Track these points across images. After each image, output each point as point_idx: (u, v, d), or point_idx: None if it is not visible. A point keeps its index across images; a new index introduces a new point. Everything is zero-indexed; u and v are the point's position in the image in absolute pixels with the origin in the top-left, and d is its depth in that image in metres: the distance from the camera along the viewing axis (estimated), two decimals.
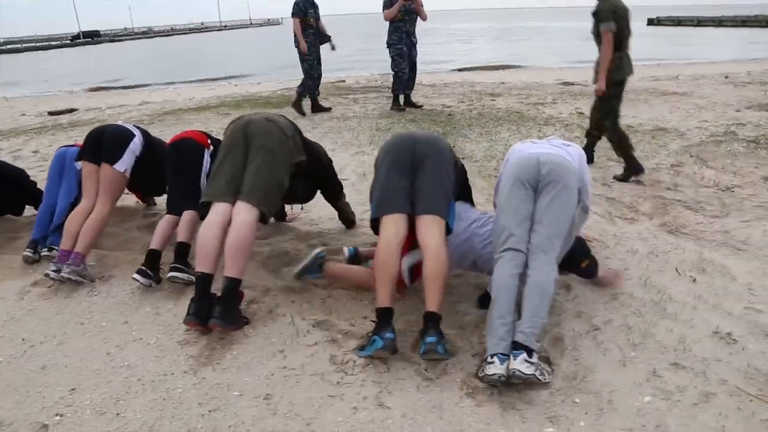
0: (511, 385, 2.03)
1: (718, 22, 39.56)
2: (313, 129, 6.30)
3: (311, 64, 7.09)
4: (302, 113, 7.29)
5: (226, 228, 2.64)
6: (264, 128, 2.79)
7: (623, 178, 4.34)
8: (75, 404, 2.08)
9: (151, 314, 2.76)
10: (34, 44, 65.01)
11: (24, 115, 10.16)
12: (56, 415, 2.03)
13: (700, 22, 41.66)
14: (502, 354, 2.04)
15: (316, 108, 7.48)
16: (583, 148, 4.54)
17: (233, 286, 2.57)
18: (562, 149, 2.49)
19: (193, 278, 2.67)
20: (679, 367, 2.09)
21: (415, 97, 8.31)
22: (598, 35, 4.22)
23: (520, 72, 13.40)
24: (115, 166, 3.22)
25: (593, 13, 4.23)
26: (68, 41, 66.23)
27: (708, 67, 12.97)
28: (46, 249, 3.37)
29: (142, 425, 1.95)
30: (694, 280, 2.77)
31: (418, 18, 7.14)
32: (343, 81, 11.60)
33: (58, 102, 11.99)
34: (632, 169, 4.33)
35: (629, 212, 3.69)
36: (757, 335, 2.28)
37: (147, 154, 3.35)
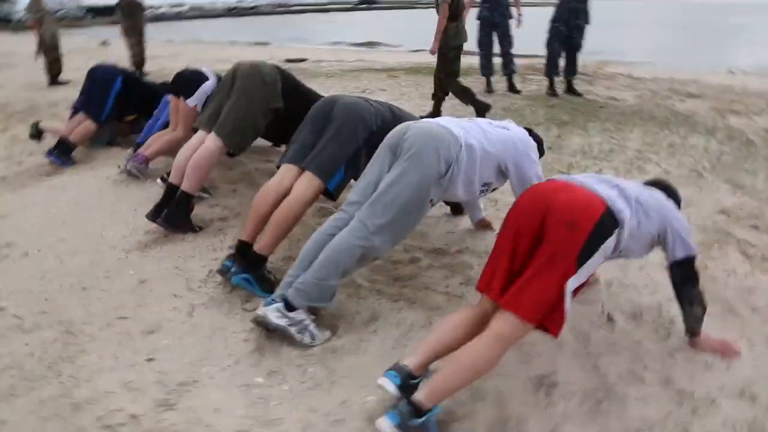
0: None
1: None
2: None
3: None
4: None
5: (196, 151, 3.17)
6: (246, 73, 3.19)
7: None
8: None
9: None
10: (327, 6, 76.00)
11: (271, 59, 12.25)
12: None
13: None
14: (273, 300, 2.15)
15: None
16: (431, 112, 5.53)
17: (182, 196, 3.12)
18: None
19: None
20: None
21: (597, 87, 7.58)
22: (438, 6, 5.24)
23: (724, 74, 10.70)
24: (188, 101, 3.95)
25: None
26: (349, 6, 74.31)
27: None
28: None
29: None
30: None
31: None
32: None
33: (309, 53, 14.01)
34: (480, 109, 5.29)
35: None
36: None
37: None
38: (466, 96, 5.43)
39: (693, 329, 2.09)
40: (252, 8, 74.67)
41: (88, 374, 2.04)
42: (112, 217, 3.49)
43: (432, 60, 6.04)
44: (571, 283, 1.70)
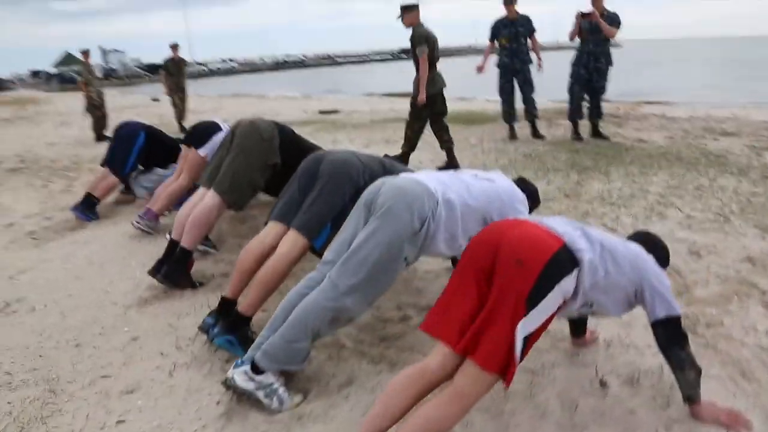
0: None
1: None
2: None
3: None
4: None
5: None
6: (245, 130, 3.25)
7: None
8: None
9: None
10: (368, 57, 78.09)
11: (305, 112, 12.59)
12: None
13: None
14: (242, 362, 2.10)
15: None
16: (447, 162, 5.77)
17: (182, 253, 3.16)
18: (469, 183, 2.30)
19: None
20: None
21: (626, 129, 7.40)
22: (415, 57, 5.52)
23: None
24: (198, 150, 4.07)
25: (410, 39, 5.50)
26: (389, 57, 76.22)
27: None
28: None
29: None
30: None
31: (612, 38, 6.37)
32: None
33: (344, 104, 14.36)
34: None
35: None
36: None
37: None
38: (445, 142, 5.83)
39: (690, 396, 1.90)
40: (299, 62, 77.72)
41: None
42: (120, 272, 3.57)
43: (460, 109, 6.09)
44: (522, 327, 1.55)
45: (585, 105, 6.67)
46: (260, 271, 2.49)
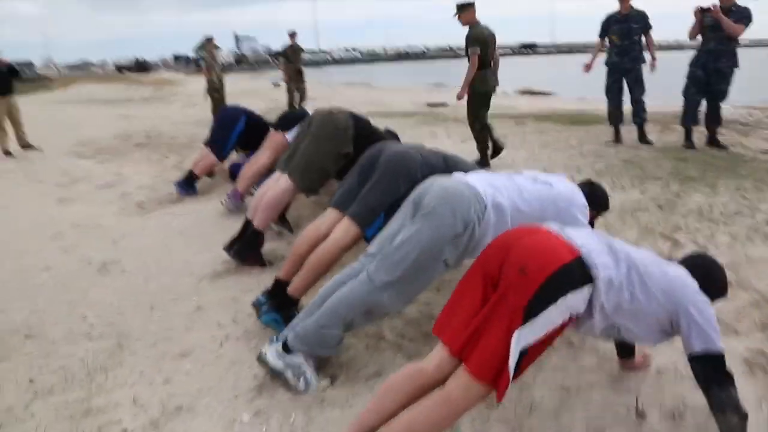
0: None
1: None
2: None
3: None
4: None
5: None
6: (320, 120, 3.36)
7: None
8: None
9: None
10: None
11: (413, 103, 12.68)
12: None
13: None
14: (276, 339, 2.20)
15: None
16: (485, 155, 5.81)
17: (253, 233, 3.36)
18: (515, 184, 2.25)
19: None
20: None
21: (752, 139, 6.66)
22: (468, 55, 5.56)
23: None
24: (285, 133, 4.25)
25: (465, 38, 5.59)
26: (509, 51, 74.25)
27: None
28: None
29: None
30: None
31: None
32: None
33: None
34: (483, 162, 5.64)
35: None
36: None
37: None
38: (482, 142, 5.81)
39: None
40: (420, 53, 78.05)
41: (112, 385, 2.26)
42: (203, 245, 3.85)
43: (567, 108, 5.87)
44: (518, 338, 1.49)
45: (702, 110, 6.08)
46: (311, 256, 2.58)
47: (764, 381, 2.14)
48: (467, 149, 6.10)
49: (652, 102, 6.65)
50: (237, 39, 71.52)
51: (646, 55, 6.35)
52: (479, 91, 5.66)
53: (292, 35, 11.26)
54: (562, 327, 1.58)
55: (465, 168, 2.67)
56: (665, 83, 7.10)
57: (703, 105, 6.07)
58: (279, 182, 3.38)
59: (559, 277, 1.51)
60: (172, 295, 3.15)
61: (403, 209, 2.29)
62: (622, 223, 3.86)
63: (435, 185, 2.20)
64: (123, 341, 2.65)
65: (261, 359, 2.18)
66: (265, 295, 2.71)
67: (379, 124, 3.83)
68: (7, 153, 7.78)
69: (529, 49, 78.97)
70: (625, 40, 6.28)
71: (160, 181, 5.79)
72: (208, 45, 10.55)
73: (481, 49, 5.50)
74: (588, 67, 6.60)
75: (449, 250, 2.11)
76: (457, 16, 5.54)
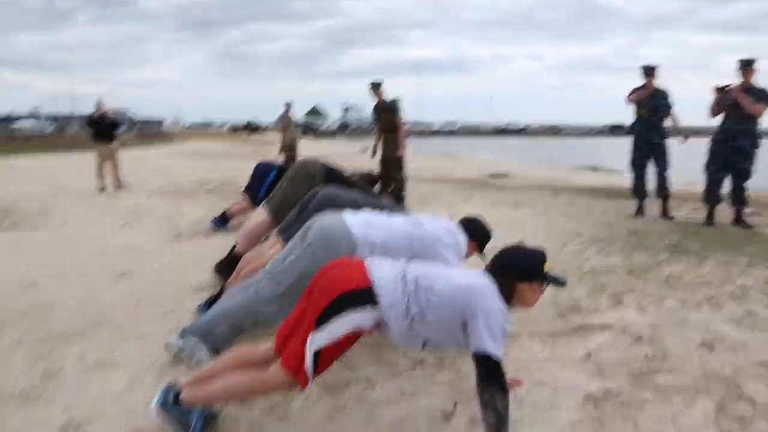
0: None
1: None
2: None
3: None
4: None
5: None
6: (295, 166, 4.09)
7: None
8: None
9: None
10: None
11: (478, 173, 13.12)
12: None
13: None
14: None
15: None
16: None
17: (235, 255, 3.96)
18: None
19: None
20: None
21: None
22: None
23: None
24: None
25: None
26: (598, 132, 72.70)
27: None
28: None
29: None
30: None
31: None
32: None
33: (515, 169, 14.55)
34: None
35: None
36: None
37: None
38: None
39: None
40: (520, 129, 78.55)
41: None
42: (205, 268, 4.48)
43: (607, 185, 6.03)
44: (311, 341, 1.91)
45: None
46: (246, 268, 3.12)
47: None
48: (495, 213, 6.43)
49: (683, 179, 6.66)
50: (345, 109, 76.52)
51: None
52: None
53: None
54: (352, 336, 1.98)
55: (379, 206, 3.16)
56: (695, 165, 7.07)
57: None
58: (260, 215, 3.99)
59: (342, 299, 1.95)
60: (163, 307, 3.75)
61: (296, 238, 2.78)
62: (579, 281, 4.02)
63: (317, 223, 2.69)
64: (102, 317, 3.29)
65: (167, 347, 2.70)
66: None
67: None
68: (102, 189, 9.18)
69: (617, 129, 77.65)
70: (652, 115, 6.43)
71: (207, 218, 6.64)
72: (285, 109, 11.81)
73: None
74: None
75: None
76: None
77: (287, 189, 3.89)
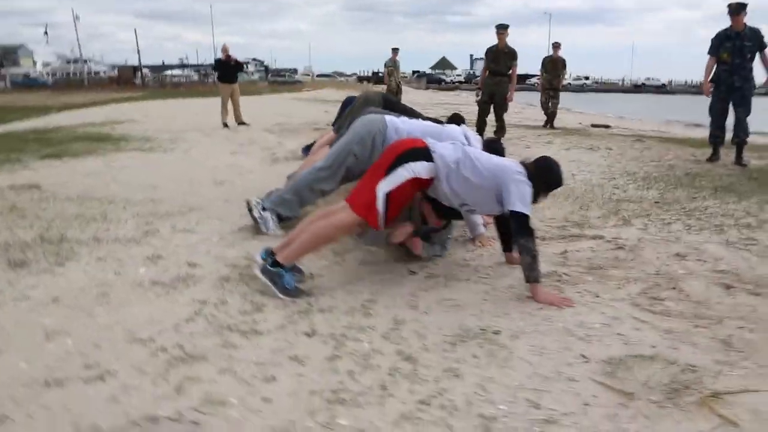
0: None
1: None
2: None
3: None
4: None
5: None
6: (360, 97, 4.75)
7: None
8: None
9: None
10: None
11: (580, 123, 13.02)
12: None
13: None
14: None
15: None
16: None
17: None
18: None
19: None
20: None
21: None
22: None
23: None
24: None
25: None
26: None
27: None
28: None
29: None
30: None
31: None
32: None
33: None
34: None
35: None
36: None
37: None
38: None
39: (528, 277, 2.60)
40: (659, 86, 72.19)
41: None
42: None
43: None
44: (381, 186, 2.61)
45: None
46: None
47: None
48: (567, 154, 6.73)
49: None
50: (472, 60, 75.09)
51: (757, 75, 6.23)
52: None
53: (556, 46, 11.07)
54: (414, 182, 2.65)
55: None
56: None
57: None
58: (329, 133, 4.84)
59: (406, 153, 2.68)
60: (242, 198, 4.76)
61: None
62: (599, 207, 4.39)
63: (361, 116, 3.57)
64: (196, 206, 4.34)
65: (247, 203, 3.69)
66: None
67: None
68: (225, 125, 10.60)
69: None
70: (736, 58, 6.23)
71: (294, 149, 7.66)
72: (392, 55, 12.47)
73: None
74: (707, 90, 6.55)
75: (357, 148, 3.43)
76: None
77: (352, 114, 4.67)
